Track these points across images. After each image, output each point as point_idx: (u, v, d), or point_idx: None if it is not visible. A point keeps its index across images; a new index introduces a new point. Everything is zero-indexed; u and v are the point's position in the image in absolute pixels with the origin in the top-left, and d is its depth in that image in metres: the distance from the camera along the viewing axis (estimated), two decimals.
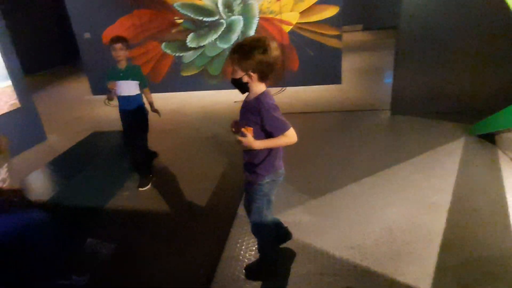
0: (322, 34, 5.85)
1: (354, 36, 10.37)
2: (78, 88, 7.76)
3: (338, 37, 5.83)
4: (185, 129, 4.81)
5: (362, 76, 6.49)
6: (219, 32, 6.19)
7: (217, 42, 6.26)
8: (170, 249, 2.45)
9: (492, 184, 2.77)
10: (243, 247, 2.35)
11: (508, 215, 2.38)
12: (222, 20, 6.09)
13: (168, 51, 6.48)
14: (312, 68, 6.08)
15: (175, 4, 6.08)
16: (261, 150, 1.75)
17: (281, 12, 5.83)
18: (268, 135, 1.69)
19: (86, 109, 6.16)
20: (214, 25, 6.15)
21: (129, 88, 3.11)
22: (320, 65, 6.03)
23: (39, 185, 2.91)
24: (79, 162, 3.09)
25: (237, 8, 5.95)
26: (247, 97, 1.77)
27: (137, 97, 3.18)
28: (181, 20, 6.20)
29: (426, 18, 3.97)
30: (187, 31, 6.27)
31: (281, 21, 5.89)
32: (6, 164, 2.32)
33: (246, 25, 6.04)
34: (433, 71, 4.20)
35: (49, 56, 10.36)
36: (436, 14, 3.94)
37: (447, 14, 3.93)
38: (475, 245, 2.17)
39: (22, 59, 4.87)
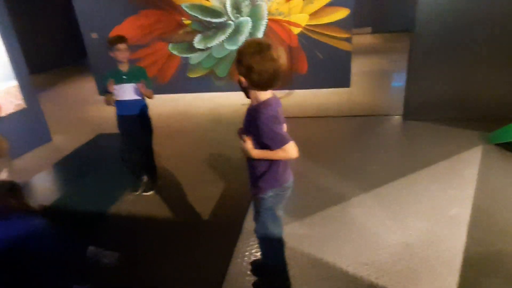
0: (331, 37, 5.74)
1: (363, 39, 10.23)
2: (85, 88, 7.71)
3: (348, 39, 5.72)
4: (191, 132, 4.72)
5: (372, 79, 6.36)
6: (227, 34, 6.10)
7: (225, 44, 6.17)
8: (173, 261, 2.35)
9: None
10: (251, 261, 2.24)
11: None
12: (230, 22, 6.00)
13: (175, 52, 6.40)
14: (320, 71, 5.97)
15: (182, 5, 6.00)
16: (261, 163, 1.67)
17: (290, 13, 5.73)
18: (266, 146, 1.59)
19: (92, 110, 6.10)
20: (221, 27, 6.06)
21: (134, 91, 2.91)
22: (329, 68, 5.92)
23: (41, 189, 2.83)
24: (82, 166, 3.02)
25: (245, 9, 5.86)
26: (250, 103, 1.69)
27: (142, 101, 3.01)
28: (188, 21, 6.12)
29: (442, 21, 3.84)
30: (194, 32, 6.19)
31: (290, 23, 5.79)
32: (6, 169, 2.23)
33: (254, 26, 5.95)
34: (449, 76, 4.06)
35: (56, 55, 10.36)
36: (453, 17, 3.81)
37: (464, 18, 3.79)
38: (499, 262, 2.04)
39: (28, 59, 4.82)
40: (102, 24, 6.35)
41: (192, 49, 6.32)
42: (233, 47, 6.17)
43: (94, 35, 6.52)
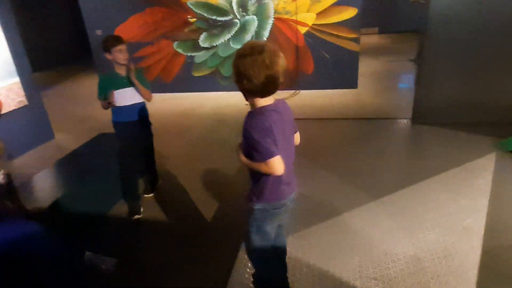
0: (339, 37, 5.63)
1: (369, 39, 10.09)
2: (89, 86, 7.66)
3: (356, 40, 5.61)
4: (195, 131, 4.64)
5: (379, 81, 6.24)
6: (233, 32, 6.01)
7: (230, 43, 6.07)
8: (172, 269, 2.27)
9: None
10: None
11: None
12: (236, 20, 5.91)
13: (180, 51, 6.32)
14: (327, 71, 5.86)
15: (188, 3, 5.91)
16: (252, 172, 1.59)
17: (297, 12, 5.62)
18: (252, 155, 1.49)
19: (96, 108, 6.03)
20: (227, 25, 5.97)
21: (134, 95, 2.68)
22: (335, 68, 5.81)
23: (39, 190, 2.77)
24: (79, 167, 2.94)
25: (251, 7, 5.76)
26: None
27: (143, 104, 2.81)
28: (194, 19, 6.04)
29: (455, 23, 3.71)
30: (199, 31, 6.10)
31: (297, 22, 5.68)
32: (2, 171, 2.16)
33: (261, 25, 5.85)
34: (461, 79, 3.93)
35: (61, 53, 10.33)
36: (466, 19, 3.68)
37: (478, 20, 3.66)
38: None
39: (33, 56, 4.77)
40: (107, 22, 6.29)
41: (197, 47, 6.23)
42: (238, 46, 6.05)
43: (98, 32, 6.45)
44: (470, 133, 3.75)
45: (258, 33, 5.90)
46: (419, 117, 4.19)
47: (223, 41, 6.10)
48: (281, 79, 1.42)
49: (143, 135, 2.89)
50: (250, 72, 1.37)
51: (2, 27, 4.04)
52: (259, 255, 1.77)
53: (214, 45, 6.16)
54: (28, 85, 4.41)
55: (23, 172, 3.62)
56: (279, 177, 1.51)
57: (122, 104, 2.64)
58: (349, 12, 5.45)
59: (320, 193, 2.92)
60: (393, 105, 4.95)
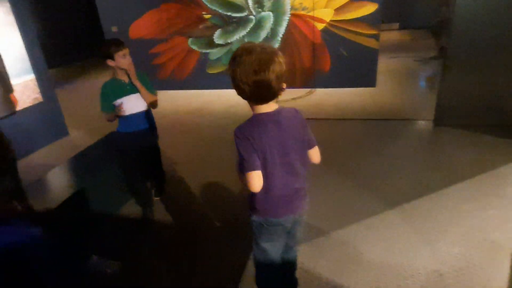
0: (357, 33, 5.43)
1: (390, 35, 9.77)
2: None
3: (376, 36, 5.39)
4: (209, 129, 4.57)
5: (399, 79, 6.00)
6: (248, 29, 5.89)
7: (245, 39, 5.96)
8: (180, 273, 2.19)
9: None
10: None
11: None
12: (251, 16, 5.78)
13: (195, 47, 6.26)
14: (344, 69, 5.68)
15: None
16: None
17: (314, 8, 5.45)
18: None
19: None
20: (242, 21, 5.85)
21: (140, 102, 2.45)
22: (353, 66, 5.62)
23: (49, 189, 2.75)
24: (90, 166, 2.89)
25: (267, 3, 5.62)
26: None
27: (150, 110, 2.58)
28: (209, 16, 5.95)
29: (482, 21, 3.49)
30: (214, 27, 6.01)
31: (314, 18, 5.51)
32: (10, 171, 2.12)
33: (276, 21, 5.71)
34: (488, 79, 3.69)
35: (76, 50, 10.45)
36: (493, 17, 3.45)
37: (505, 18, 3.43)
38: None
39: (48, 53, 4.79)
40: (123, 18, 6.29)
41: (211, 44, 6.15)
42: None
43: (114, 29, 6.46)
44: (497, 136, 3.52)
45: (273, 30, 5.76)
46: (441, 118, 3.97)
47: (238, 37, 5.99)
48: (276, 86, 1.29)
49: (150, 144, 2.69)
50: (237, 76, 1.28)
51: (18, 24, 4.06)
52: (259, 269, 1.68)
53: (229, 42, 6.07)
54: (44, 82, 4.44)
55: (35, 169, 3.63)
56: (271, 192, 1.41)
57: (129, 113, 2.43)
58: (369, 8, 5.24)
59: (333, 199, 2.78)
60: (413, 106, 4.74)
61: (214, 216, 2.72)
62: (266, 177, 1.38)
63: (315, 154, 1.50)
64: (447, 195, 2.70)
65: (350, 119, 4.45)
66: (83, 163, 3.11)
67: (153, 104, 2.52)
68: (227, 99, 5.74)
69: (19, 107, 4.11)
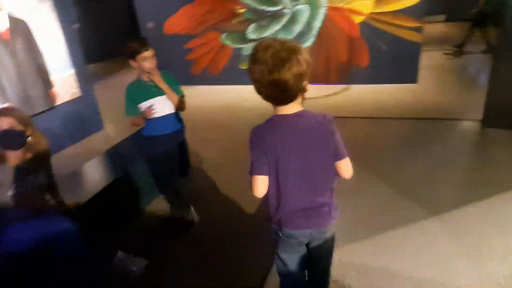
0: (398, 26, 5.13)
1: (435, 28, 9.18)
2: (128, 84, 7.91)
3: (418, 29, 5.07)
4: (239, 126, 4.51)
5: (444, 75, 5.61)
6: (282, 23, 5.75)
7: (279, 34, 5.82)
8: (204, 274, 2.15)
9: None
10: None
11: None
12: (285, 10, 5.63)
13: (228, 43, 6.22)
14: (384, 64, 5.41)
15: None
16: None
17: (353, 0, 5.19)
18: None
19: None
20: (276, 16, 5.73)
21: (167, 104, 2.31)
22: (393, 61, 5.33)
23: (81, 183, 2.81)
24: (119, 162, 2.92)
25: None
26: None
27: (178, 113, 2.42)
28: (242, 10, 5.87)
29: None
30: (248, 22, 5.93)
31: (352, 11, 5.26)
32: (45, 167, 2.17)
33: (312, 15, 5.52)
34: None
35: (114, 45, 10.80)
36: None
37: None
38: None
39: (87, 48, 4.94)
40: (159, 13, 6.38)
41: (245, 39, 6.08)
42: (288, 38, 5.80)
43: (150, 25, 6.57)
44: None
45: (309, 24, 5.58)
46: (491, 118, 3.66)
47: (271, 32, 5.87)
48: (295, 86, 1.17)
49: (177, 147, 2.51)
50: (253, 75, 1.19)
51: (59, 20, 4.20)
52: (281, 278, 1.59)
53: (263, 36, 5.96)
54: (82, 77, 4.59)
55: (71, 163, 3.76)
56: (284, 202, 1.30)
57: (158, 115, 2.27)
58: None
59: (367, 206, 2.60)
60: (459, 104, 4.42)
61: (243, 216, 2.66)
62: (278, 185, 1.28)
63: (345, 167, 1.30)
64: (495, 204, 2.45)
65: (389, 118, 4.22)
66: (116, 158, 3.15)
67: (180, 107, 2.37)
68: (258, 95, 5.66)
69: (58, 101, 4.28)
